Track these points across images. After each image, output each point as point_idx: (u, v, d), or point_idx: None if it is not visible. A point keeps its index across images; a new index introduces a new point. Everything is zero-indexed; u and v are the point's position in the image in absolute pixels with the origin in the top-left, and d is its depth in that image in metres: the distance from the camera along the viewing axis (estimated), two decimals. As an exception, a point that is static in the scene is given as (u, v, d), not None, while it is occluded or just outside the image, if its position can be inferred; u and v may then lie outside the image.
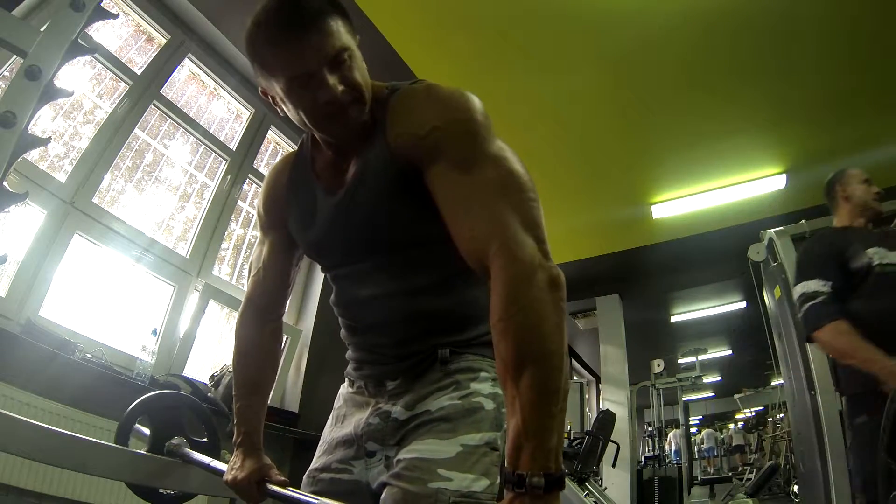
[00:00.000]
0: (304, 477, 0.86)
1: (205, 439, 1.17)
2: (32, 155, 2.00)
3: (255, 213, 2.31)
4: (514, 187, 0.63)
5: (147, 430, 1.10)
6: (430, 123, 0.67)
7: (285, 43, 0.66)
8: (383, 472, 0.75)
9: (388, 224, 0.75)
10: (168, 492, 1.13)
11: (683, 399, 7.45)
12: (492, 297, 0.58)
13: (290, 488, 0.81)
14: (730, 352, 8.19)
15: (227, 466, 0.89)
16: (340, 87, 0.68)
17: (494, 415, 0.75)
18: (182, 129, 2.70)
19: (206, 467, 1.00)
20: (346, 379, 0.90)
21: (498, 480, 0.71)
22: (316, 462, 0.86)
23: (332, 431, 0.87)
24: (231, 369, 2.36)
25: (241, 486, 0.84)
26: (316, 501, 0.74)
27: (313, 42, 0.66)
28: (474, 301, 0.79)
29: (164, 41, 2.61)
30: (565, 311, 0.58)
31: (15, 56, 1.06)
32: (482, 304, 0.65)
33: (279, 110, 0.74)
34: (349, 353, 0.89)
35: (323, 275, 3.19)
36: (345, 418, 0.85)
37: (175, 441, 1.08)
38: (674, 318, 6.51)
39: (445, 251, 0.68)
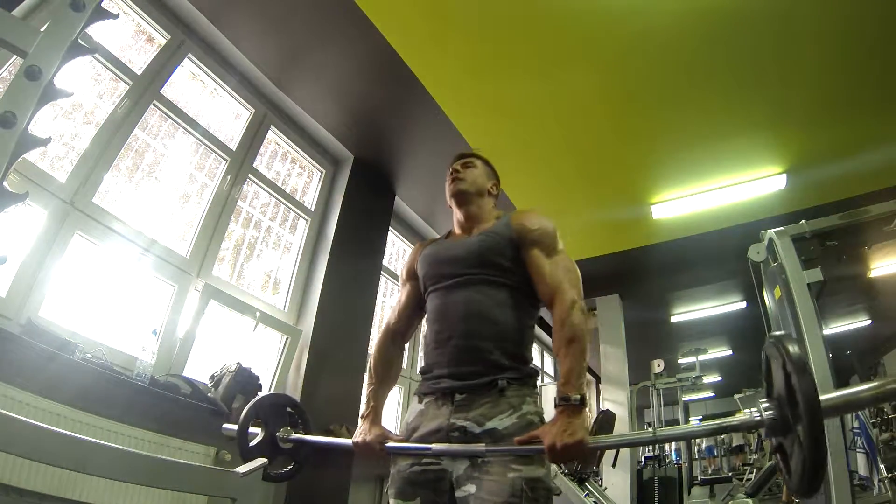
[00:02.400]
0: (393, 475, 1.18)
1: (300, 426, 1.46)
2: (32, 155, 2.00)
3: (259, 218, 2.51)
4: (570, 269, 1.25)
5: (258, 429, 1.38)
6: (536, 226, 1.29)
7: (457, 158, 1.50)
8: (468, 467, 1.09)
9: (492, 251, 1.28)
10: (278, 471, 1.37)
11: (683, 399, 7.44)
12: (553, 314, 1.17)
13: (406, 443, 1.16)
14: (730, 352, 8.19)
15: (355, 433, 1.27)
16: (459, 169, 1.43)
17: (540, 426, 1.11)
18: (182, 129, 2.70)
19: (323, 443, 1.40)
20: (416, 397, 1.26)
21: (550, 470, 1.13)
22: (399, 464, 1.18)
23: (410, 437, 1.19)
24: (231, 369, 2.38)
25: (369, 446, 1.21)
26: (426, 447, 1.09)
27: (464, 153, 1.50)
28: (528, 339, 1.26)
29: (164, 41, 2.61)
30: (589, 324, 1.14)
31: (15, 56, 1.06)
32: (528, 344, 1.26)
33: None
34: (427, 374, 1.24)
35: (323, 277, 3.17)
36: (422, 426, 1.18)
37: (283, 431, 1.40)
38: (674, 318, 6.50)
39: (513, 292, 1.25)
